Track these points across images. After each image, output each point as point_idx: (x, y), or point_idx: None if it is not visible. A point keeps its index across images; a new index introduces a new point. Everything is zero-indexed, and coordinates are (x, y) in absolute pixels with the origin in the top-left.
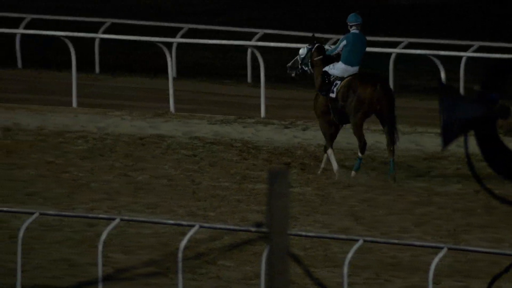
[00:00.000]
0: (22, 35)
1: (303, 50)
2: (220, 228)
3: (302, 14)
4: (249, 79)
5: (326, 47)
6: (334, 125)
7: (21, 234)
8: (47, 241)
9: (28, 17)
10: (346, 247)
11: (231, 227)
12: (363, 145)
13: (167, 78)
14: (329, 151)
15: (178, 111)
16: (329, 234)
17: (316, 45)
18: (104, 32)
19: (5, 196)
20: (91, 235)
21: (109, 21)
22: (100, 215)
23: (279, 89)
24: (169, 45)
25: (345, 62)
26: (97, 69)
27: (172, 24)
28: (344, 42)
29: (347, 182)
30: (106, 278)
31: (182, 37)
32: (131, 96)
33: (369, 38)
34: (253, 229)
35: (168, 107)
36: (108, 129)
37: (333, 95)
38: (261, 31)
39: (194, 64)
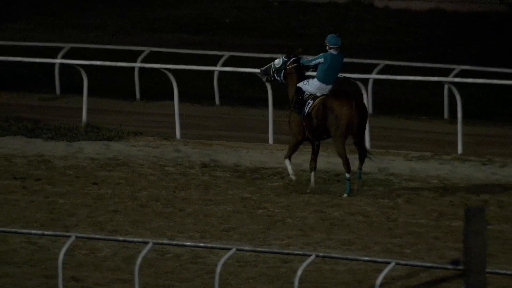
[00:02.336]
0: (220, 72)
1: (278, 61)
2: (416, 265)
3: (499, 50)
4: (445, 115)
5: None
6: (310, 142)
7: (218, 269)
8: (242, 277)
9: (226, 54)
10: None
11: (428, 264)
12: (347, 164)
13: None
14: (287, 161)
15: (373, 148)
16: None
17: (292, 58)
18: None
19: (202, 231)
20: (286, 271)
21: None
22: (295, 251)
23: (477, 125)
24: (365, 81)
25: (320, 80)
26: None
27: (368, 61)
28: (322, 60)
29: None
30: None
31: (378, 73)
32: None
33: None
34: (450, 266)
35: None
36: (303, 166)
37: (306, 114)
38: (458, 67)
39: (389, 100)
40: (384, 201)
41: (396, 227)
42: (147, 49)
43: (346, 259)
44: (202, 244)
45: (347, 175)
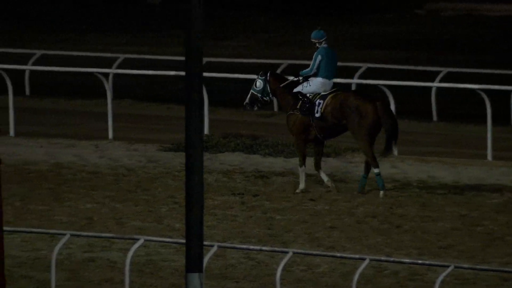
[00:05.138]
0: (437, 88)
1: (259, 83)
2: None
3: None
4: None
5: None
6: (316, 142)
7: (436, 287)
8: None
9: (444, 70)
10: None
11: None
12: (374, 160)
13: None
14: (302, 168)
15: None
16: None
17: (269, 72)
18: None
19: (419, 248)
20: None
21: None
22: None
23: None
24: None
25: (323, 76)
26: None
27: None
28: (320, 57)
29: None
30: None
31: None
32: None
33: None
34: None
35: None
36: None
37: (318, 115)
38: None
39: None
40: None
41: None
42: (363, 65)
43: None
44: (420, 261)
45: (376, 170)
